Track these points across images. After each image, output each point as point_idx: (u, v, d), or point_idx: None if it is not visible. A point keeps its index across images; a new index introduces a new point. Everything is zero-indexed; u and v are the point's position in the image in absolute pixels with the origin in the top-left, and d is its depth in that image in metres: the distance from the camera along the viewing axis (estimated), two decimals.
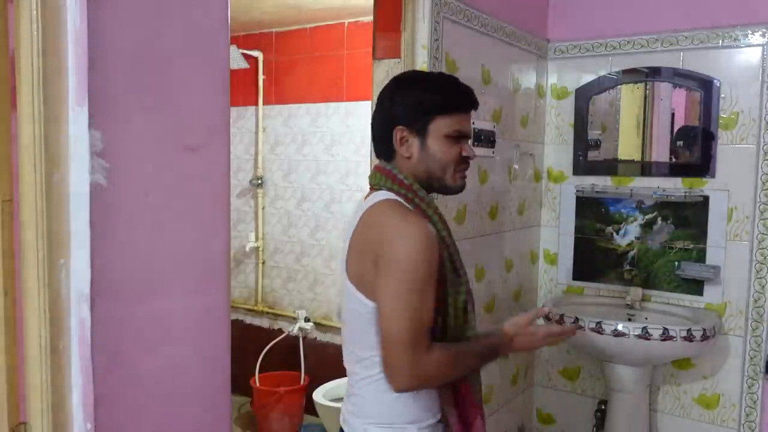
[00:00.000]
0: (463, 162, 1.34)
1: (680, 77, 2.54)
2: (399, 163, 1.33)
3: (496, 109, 2.44)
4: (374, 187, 1.35)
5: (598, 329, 2.28)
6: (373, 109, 1.39)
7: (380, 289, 1.21)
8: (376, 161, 1.40)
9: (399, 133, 1.31)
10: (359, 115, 3.25)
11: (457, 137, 1.32)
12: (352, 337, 1.33)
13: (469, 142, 1.39)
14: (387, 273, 1.19)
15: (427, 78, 1.40)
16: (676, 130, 2.60)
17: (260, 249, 3.69)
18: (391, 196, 1.30)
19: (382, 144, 1.35)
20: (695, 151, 2.53)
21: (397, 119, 1.31)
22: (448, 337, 1.29)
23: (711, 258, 2.51)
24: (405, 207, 1.28)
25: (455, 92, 1.33)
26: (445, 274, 1.27)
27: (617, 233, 2.70)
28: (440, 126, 1.30)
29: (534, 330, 1.38)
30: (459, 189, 1.37)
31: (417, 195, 1.31)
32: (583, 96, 2.75)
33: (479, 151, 2.32)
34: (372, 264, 1.23)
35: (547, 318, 2.51)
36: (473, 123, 2.26)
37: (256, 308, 3.72)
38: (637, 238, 2.65)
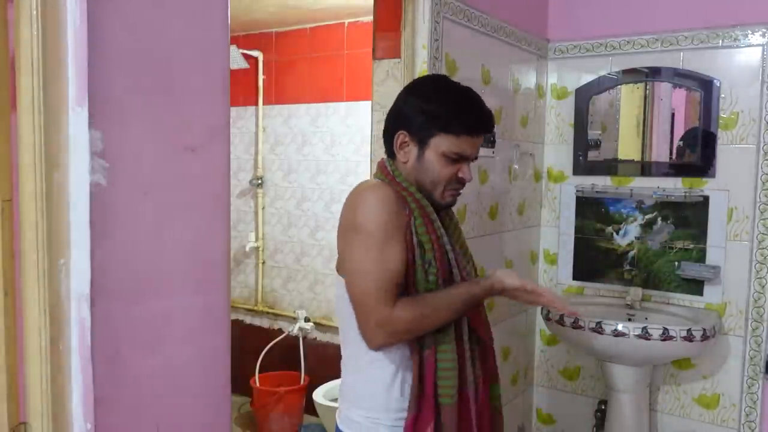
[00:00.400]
0: (458, 183, 1.33)
1: (680, 77, 2.54)
2: (399, 164, 1.35)
3: (496, 109, 2.44)
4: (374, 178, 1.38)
5: (598, 329, 2.28)
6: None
7: (344, 258, 1.27)
8: (376, 161, 1.41)
9: (400, 137, 1.32)
10: (359, 115, 3.25)
11: (456, 159, 1.30)
12: (339, 322, 1.37)
13: (471, 164, 1.36)
14: (347, 239, 1.25)
15: (445, 90, 1.34)
16: (675, 130, 2.60)
17: (260, 249, 3.69)
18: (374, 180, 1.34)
19: (386, 143, 1.37)
20: (695, 151, 2.53)
21: (402, 123, 1.31)
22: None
23: (711, 258, 2.51)
24: (376, 182, 1.29)
25: (467, 115, 1.29)
26: (414, 260, 1.25)
27: (617, 233, 2.70)
28: (441, 143, 1.28)
29: (541, 291, 1.33)
30: (447, 206, 1.37)
31: (400, 185, 1.30)
32: (583, 96, 2.75)
33: (480, 151, 2.32)
34: (341, 238, 1.28)
35: (547, 318, 2.51)
36: None
37: (256, 308, 3.72)
38: (637, 238, 2.65)
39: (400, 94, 1.36)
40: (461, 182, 1.33)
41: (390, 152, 1.36)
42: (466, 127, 1.29)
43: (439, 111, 1.28)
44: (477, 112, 1.31)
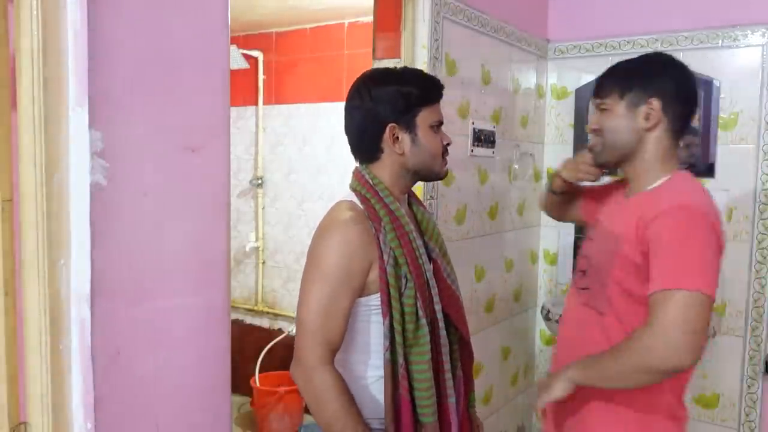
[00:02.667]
0: (445, 150, 1.36)
1: None
2: (383, 162, 1.32)
3: (496, 109, 2.44)
4: (350, 188, 1.36)
5: None
6: (348, 113, 1.35)
7: (302, 282, 1.26)
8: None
9: (391, 130, 1.29)
10: None
11: (438, 126, 1.34)
12: None
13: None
14: (306, 267, 1.25)
15: (398, 73, 1.36)
16: None
17: (260, 249, 3.69)
18: (350, 197, 1.32)
19: (367, 145, 1.33)
20: (695, 151, 2.53)
21: (385, 117, 1.29)
22: (397, 341, 1.23)
23: None
24: (351, 208, 1.27)
25: (429, 83, 1.34)
26: (386, 278, 1.24)
27: None
28: (426, 117, 1.31)
29: None
30: (445, 176, 1.39)
31: (377, 195, 1.29)
32: (583, 96, 2.75)
33: (480, 151, 2.32)
34: (306, 261, 1.28)
35: (547, 318, 2.51)
36: (473, 123, 2.26)
37: (256, 308, 3.72)
38: None
39: (360, 97, 1.31)
40: (447, 150, 1.37)
41: (370, 155, 1.33)
42: (437, 94, 1.34)
43: (413, 88, 1.30)
44: (435, 79, 1.37)
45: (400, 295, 1.25)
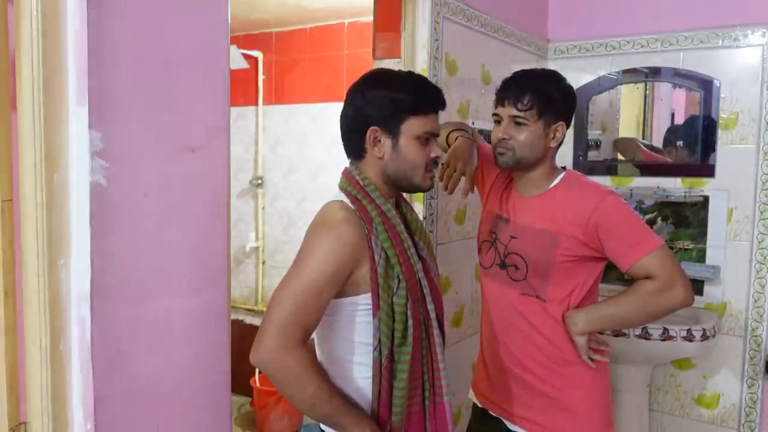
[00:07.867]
0: (433, 163, 1.33)
1: (680, 77, 2.54)
2: (367, 163, 1.32)
3: None
4: (339, 188, 1.35)
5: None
6: (343, 109, 1.34)
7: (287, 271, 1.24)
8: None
9: (372, 133, 1.28)
10: None
11: (427, 139, 1.30)
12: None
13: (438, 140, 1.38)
14: (294, 260, 1.23)
15: (397, 77, 1.34)
16: (675, 130, 2.60)
17: (260, 249, 3.69)
18: (340, 197, 1.31)
19: (353, 144, 1.33)
20: (695, 151, 2.53)
21: (370, 119, 1.28)
22: (383, 341, 1.23)
23: (711, 258, 2.51)
24: (343, 208, 1.27)
25: (425, 92, 1.31)
26: (377, 279, 1.23)
27: None
28: (412, 127, 1.28)
29: None
30: (428, 189, 1.36)
31: (368, 196, 1.28)
32: (583, 96, 2.74)
33: None
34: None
35: None
36: (473, 123, 2.26)
37: (256, 308, 3.72)
38: None
39: (354, 95, 1.32)
40: (435, 162, 1.33)
41: (355, 154, 1.33)
42: (431, 105, 1.31)
43: (406, 95, 1.28)
44: (435, 90, 1.34)
45: (392, 295, 1.24)
